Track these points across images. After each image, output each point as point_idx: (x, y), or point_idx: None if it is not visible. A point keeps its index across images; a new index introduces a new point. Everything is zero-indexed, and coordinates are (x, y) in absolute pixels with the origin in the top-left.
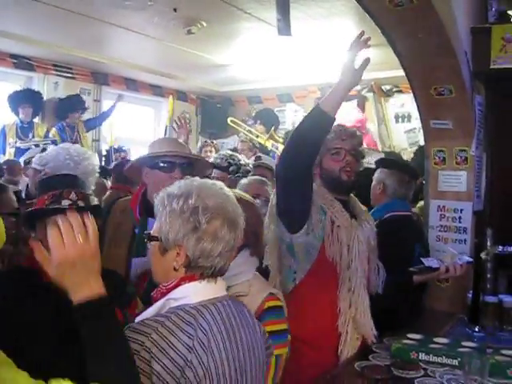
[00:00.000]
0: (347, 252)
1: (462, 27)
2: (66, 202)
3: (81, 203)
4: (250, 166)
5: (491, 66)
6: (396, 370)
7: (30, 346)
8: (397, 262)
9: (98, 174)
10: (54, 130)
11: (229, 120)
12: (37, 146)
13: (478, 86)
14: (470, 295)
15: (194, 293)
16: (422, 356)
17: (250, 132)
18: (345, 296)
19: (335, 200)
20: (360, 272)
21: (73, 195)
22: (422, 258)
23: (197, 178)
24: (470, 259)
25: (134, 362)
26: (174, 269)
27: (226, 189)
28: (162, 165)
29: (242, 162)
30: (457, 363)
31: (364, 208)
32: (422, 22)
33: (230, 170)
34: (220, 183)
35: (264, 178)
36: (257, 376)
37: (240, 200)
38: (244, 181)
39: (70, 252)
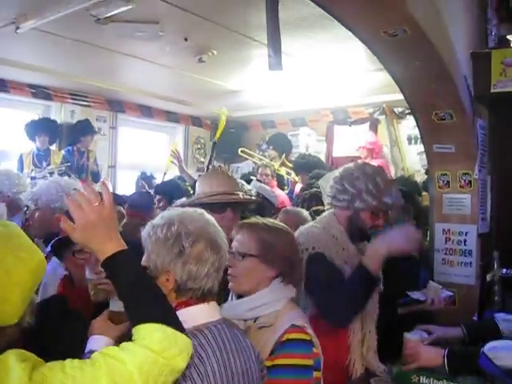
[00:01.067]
0: None
1: (460, 52)
2: None
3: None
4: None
5: (492, 90)
6: None
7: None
8: (403, 287)
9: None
10: (61, 153)
11: (239, 151)
12: (51, 173)
13: (480, 110)
14: (476, 318)
15: (189, 318)
16: (423, 380)
17: (260, 160)
18: (356, 334)
19: (350, 243)
20: (373, 311)
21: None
22: (408, 292)
23: (179, 208)
24: (451, 293)
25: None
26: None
27: (207, 214)
28: (212, 205)
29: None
30: None
31: None
32: (418, 51)
33: None
34: (201, 210)
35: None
36: None
37: (272, 228)
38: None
39: (89, 214)
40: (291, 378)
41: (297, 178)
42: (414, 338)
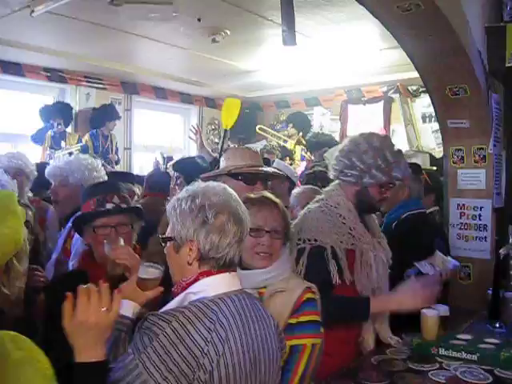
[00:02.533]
0: (372, 273)
1: (475, 27)
2: (109, 206)
3: (123, 205)
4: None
5: (507, 64)
6: (412, 363)
7: None
8: (419, 258)
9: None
10: (87, 136)
11: (257, 128)
12: (70, 154)
13: (495, 85)
14: (491, 292)
15: (211, 286)
16: (442, 351)
17: (277, 137)
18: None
19: (358, 218)
20: (385, 286)
21: (116, 199)
22: (416, 263)
23: (201, 182)
24: (457, 263)
25: None
26: (188, 263)
27: (229, 189)
28: (241, 177)
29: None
30: (476, 358)
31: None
32: (431, 25)
33: None
34: (223, 184)
35: (316, 188)
36: (270, 368)
37: (264, 201)
38: (297, 190)
39: (90, 318)
40: (312, 333)
41: (312, 157)
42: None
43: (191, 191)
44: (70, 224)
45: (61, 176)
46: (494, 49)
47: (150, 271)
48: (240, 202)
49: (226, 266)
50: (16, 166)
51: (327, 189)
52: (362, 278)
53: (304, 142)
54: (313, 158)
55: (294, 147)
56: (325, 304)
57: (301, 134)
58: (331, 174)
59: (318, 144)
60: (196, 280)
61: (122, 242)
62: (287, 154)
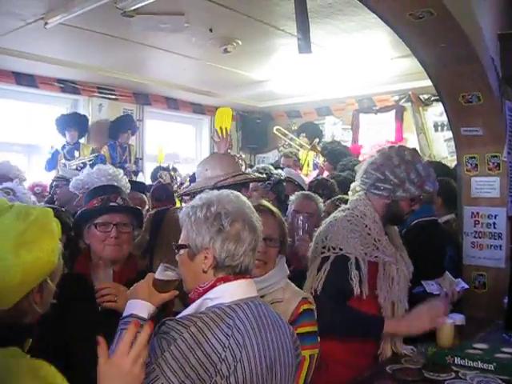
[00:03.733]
0: (393, 286)
1: (487, 34)
2: (112, 204)
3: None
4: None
5: None
6: (427, 372)
7: (78, 342)
8: (429, 267)
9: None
10: (105, 148)
11: (274, 129)
12: (84, 164)
13: (508, 92)
14: (506, 300)
15: (228, 292)
16: (458, 360)
17: (294, 141)
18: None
19: (383, 230)
20: (404, 297)
21: (119, 199)
22: (423, 282)
23: (215, 190)
24: (467, 286)
25: None
26: (203, 271)
27: (242, 196)
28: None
29: (273, 172)
30: (492, 368)
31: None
32: (444, 33)
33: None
34: (236, 192)
35: (309, 193)
36: (286, 375)
37: (261, 209)
38: (292, 197)
39: (127, 363)
40: (310, 344)
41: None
42: None
43: (205, 199)
44: None
45: (83, 188)
46: (507, 56)
47: (168, 273)
48: (253, 210)
49: (241, 273)
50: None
51: (353, 198)
52: (384, 291)
53: (319, 148)
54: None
55: (307, 155)
56: (336, 313)
57: (317, 140)
58: (359, 187)
59: (340, 155)
60: (213, 286)
61: (110, 272)
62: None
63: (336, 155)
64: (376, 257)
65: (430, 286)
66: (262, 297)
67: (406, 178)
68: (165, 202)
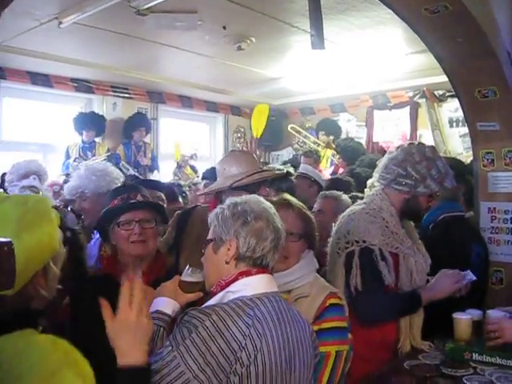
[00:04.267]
0: (413, 278)
1: (504, 29)
2: (133, 201)
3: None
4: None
5: None
6: (445, 368)
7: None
8: (455, 262)
9: None
10: (120, 147)
11: (289, 127)
12: None
13: None
14: None
15: (250, 286)
16: (476, 356)
17: (308, 138)
18: (404, 317)
19: (400, 224)
20: None
21: (139, 197)
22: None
23: (243, 196)
24: (474, 277)
25: None
26: (226, 262)
27: (266, 202)
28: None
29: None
30: (511, 364)
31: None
32: (460, 27)
33: None
34: (261, 198)
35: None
36: (304, 371)
37: (303, 206)
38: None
39: (132, 316)
40: (336, 339)
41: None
42: (495, 315)
43: (234, 201)
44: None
45: (77, 192)
46: None
47: (194, 275)
48: (277, 214)
49: (262, 267)
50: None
51: (370, 193)
52: (406, 282)
53: (334, 145)
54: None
55: (324, 152)
56: (382, 302)
57: (331, 137)
58: (378, 181)
59: (353, 151)
60: (236, 279)
61: (139, 273)
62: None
63: (349, 152)
64: (397, 248)
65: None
66: (288, 291)
67: (427, 174)
68: (171, 201)
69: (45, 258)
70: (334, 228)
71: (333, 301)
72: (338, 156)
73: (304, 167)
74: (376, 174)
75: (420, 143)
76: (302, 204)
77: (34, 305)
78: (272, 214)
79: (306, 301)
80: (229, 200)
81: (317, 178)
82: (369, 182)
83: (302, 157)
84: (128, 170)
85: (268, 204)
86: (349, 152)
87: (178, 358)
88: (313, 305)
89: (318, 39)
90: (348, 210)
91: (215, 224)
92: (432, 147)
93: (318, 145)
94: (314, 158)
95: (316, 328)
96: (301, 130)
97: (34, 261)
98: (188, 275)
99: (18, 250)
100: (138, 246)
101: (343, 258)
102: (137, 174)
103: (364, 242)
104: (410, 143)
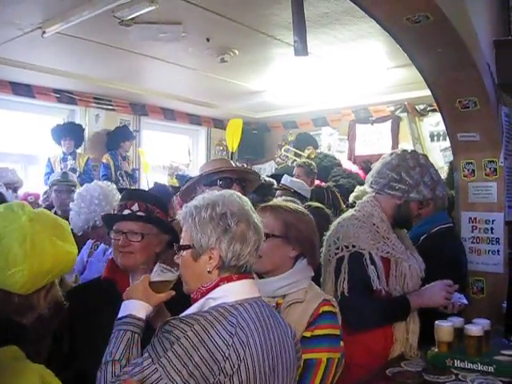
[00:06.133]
0: (405, 283)
1: (483, 40)
2: (126, 212)
3: (140, 213)
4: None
5: None
6: (427, 375)
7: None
8: (449, 275)
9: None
10: (107, 155)
11: (282, 150)
12: (73, 170)
13: (504, 98)
14: (505, 305)
15: (231, 292)
16: (457, 363)
17: (289, 152)
18: (401, 325)
19: (391, 229)
20: None
21: (135, 206)
22: None
23: (215, 191)
24: (466, 302)
25: None
26: (208, 272)
27: (243, 197)
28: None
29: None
30: (492, 370)
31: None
32: (441, 37)
33: None
34: (237, 193)
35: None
36: (288, 376)
37: (294, 210)
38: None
39: None
40: (328, 347)
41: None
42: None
43: (208, 199)
44: None
45: (89, 227)
46: (503, 62)
47: (164, 274)
48: (254, 211)
49: (245, 273)
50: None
51: (361, 200)
52: (397, 288)
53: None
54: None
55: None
56: (368, 308)
57: (310, 148)
58: (371, 186)
59: (325, 170)
60: (216, 286)
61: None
62: None
63: (322, 169)
64: (388, 252)
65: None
66: (283, 297)
67: (420, 180)
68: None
69: (64, 271)
70: (326, 236)
71: (326, 308)
72: None
73: (284, 178)
74: (368, 180)
75: (413, 150)
76: (294, 208)
77: (24, 319)
78: (251, 215)
79: (300, 306)
80: (202, 198)
81: (296, 188)
82: (360, 188)
83: (295, 168)
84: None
85: (245, 200)
86: (322, 169)
87: (160, 371)
88: (306, 311)
89: (301, 45)
90: (339, 218)
91: (191, 228)
92: (425, 155)
93: (300, 156)
94: (305, 169)
95: (309, 334)
96: (292, 149)
97: (57, 268)
98: (158, 274)
99: (50, 251)
100: (123, 257)
101: (333, 263)
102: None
103: (354, 246)
104: (403, 150)
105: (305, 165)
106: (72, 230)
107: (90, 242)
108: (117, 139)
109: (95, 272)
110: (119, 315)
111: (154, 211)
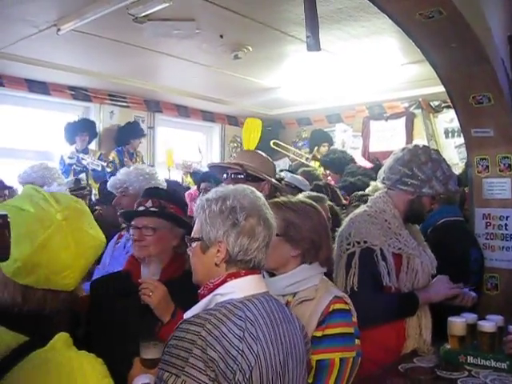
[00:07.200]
0: (416, 279)
1: (497, 36)
2: (141, 208)
3: (153, 209)
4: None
5: None
6: (440, 371)
7: (119, 339)
8: (454, 267)
9: None
10: (113, 153)
11: (271, 143)
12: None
13: None
14: None
15: (239, 288)
16: (471, 359)
17: (294, 153)
18: (413, 320)
19: (403, 225)
20: None
21: (149, 203)
22: None
23: (230, 185)
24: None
25: None
26: (216, 264)
27: (257, 192)
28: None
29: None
30: (505, 366)
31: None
32: (454, 32)
33: None
34: (251, 188)
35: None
36: (298, 370)
37: (299, 208)
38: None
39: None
40: (341, 346)
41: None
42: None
43: (221, 193)
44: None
45: (121, 187)
46: None
47: (151, 351)
48: (268, 206)
49: (253, 268)
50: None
51: (373, 196)
52: (408, 284)
53: (319, 157)
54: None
55: (315, 164)
56: (377, 304)
57: (316, 148)
58: (383, 182)
59: (331, 162)
60: (224, 282)
61: (155, 270)
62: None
63: (336, 163)
64: (399, 249)
65: None
66: (293, 294)
67: (432, 175)
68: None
69: (95, 258)
70: (338, 232)
71: (337, 306)
72: (322, 168)
73: (285, 174)
74: (380, 176)
75: (425, 146)
76: (298, 205)
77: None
78: (263, 209)
79: (311, 305)
80: (214, 191)
81: (297, 184)
82: (372, 184)
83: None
84: None
85: (258, 195)
86: (335, 164)
87: (189, 381)
88: (317, 309)
89: (314, 41)
90: (351, 214)
91: (202, 221)
92: (437, 150)
93: (302, 156)
94: (307, 176)
95: (320, 334)
96: (284, 144)
97: (95, 257)
98: (146, 352)
99: (91, 244)
100: (138, 250)
101: (345, 259)
102: None
103: (365, 242)
104: (415, 145)
105: (305, 173)
106: None
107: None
108: (126, 136)
109: (116, 264)
110: None
111: (167, 206)
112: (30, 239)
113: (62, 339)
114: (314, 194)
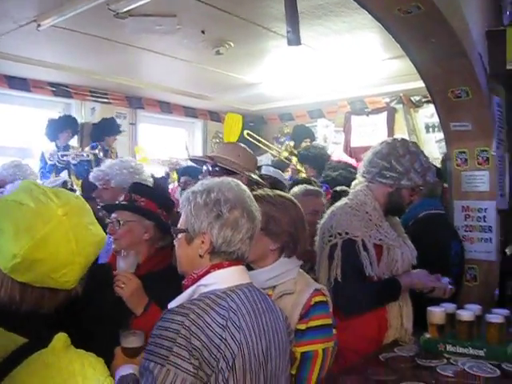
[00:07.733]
0: (395, 268)
1: (475, 30)
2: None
3: (124, 203)
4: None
5: (507, 67)
6: (420, 359)
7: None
8: (435, 260)
9: None
10: (87, 149)
11: (245, 133)
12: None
13: (496, 88)
14: (497, 293)
15: (222, 279)
16: (449, 347)
17: (264, 145)
18: (394, 310)
19: (384, 217)
20: None
21: (122, 197)
22: None
23: (216, 178)
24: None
25: None
26: (200, 256)
27: (243, 185)
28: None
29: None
30: (483, 354)
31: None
32: (432, 28)
33: None
34: (237, 181)
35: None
36: (281, 359)
37: (277, 202)
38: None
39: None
40: (322, 337)
41: (299, 167)
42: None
43: (206, 185)
44: None
45: (103, 179)
46: (495, 52)
47: (132, 340)
48: (253, 199)
49: (236, 260)
50: None
51: (354, 190)
52: (388, 274)
53: (295, 152)
54: (300, 168)
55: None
56: (361, 293)
57: (292, 143)
58: (363, 176)
59: (309, 157)
60: (207, 272)
61: (131, 262)
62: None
63: (312, 159)
64: (380, 240)
65: None
66: (273, 288)
67: (410, 168)
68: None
69: (96, 255)
70: (319, 225)
71: (318, 298)
72: (293, 161)
73: (266, 169)
74: (360, 170)
75: (403, 139)
76: (277, 199)
77: (43, 310)
78: (247, 201)
79: (292, 298)
80: (200, 183)
81: (278, 177)
82: (353, 182)
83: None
84: None
85: (243, 187)
86: (312, 159)
87: (173, 370)
88: (298, 302)
89: (294, 35)
90: (332, 207)
91: (187, 213)
92: (415, 143)
93: (279, 153)
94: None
95: (303, 327)
96: (258, 137)
97: (96, 254)
98: (127, 341)
99: (92, 241)
100: (113, 243)
101: (327, 250)
102: None
103: (347, 233)
104: (393, 138)
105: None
106: None
107: None
108: (101, 132)
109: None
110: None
111: (137, 200)
112: (29, 234)
113: (61, 340)
114: (311, 187)
